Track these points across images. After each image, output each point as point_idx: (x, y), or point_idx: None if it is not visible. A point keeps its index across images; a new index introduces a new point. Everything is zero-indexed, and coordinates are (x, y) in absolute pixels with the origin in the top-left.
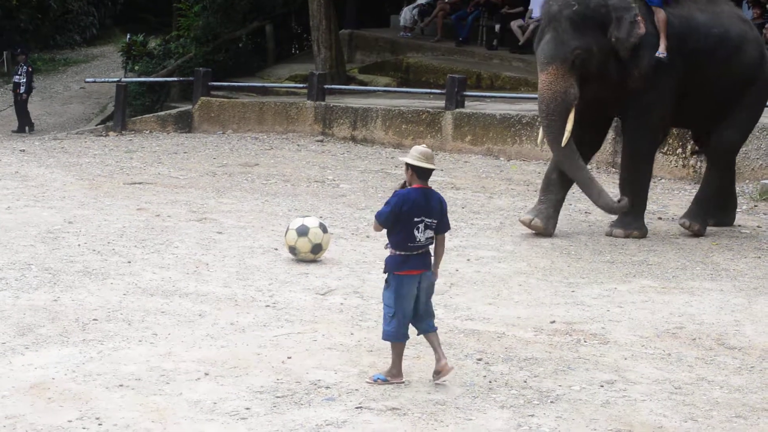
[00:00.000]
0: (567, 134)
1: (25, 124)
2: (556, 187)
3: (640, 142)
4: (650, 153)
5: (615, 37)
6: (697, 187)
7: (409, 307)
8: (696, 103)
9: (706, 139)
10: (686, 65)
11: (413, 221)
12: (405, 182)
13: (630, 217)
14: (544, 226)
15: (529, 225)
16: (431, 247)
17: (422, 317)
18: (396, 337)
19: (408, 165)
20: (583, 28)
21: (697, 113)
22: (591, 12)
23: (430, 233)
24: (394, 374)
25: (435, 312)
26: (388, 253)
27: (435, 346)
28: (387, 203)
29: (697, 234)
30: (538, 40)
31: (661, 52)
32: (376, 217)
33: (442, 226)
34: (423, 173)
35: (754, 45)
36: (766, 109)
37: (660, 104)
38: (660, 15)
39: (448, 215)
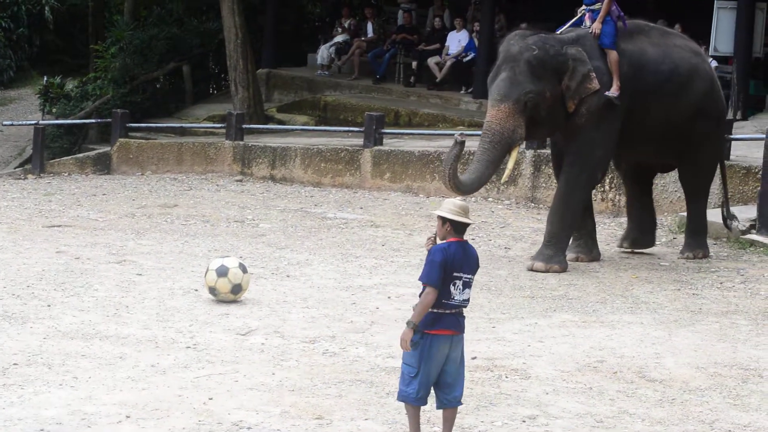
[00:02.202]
0: (508, 172)
1: None
2: (585, 219)
3: (576, 178)
4: (584, 189)
5: (566, 85)
6: (616, 220)
7: (435, 370)
8: (643, 138)
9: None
10: (633, 103)
11: (452, 276)
12: (434, 237)
13: (551, 251)
14: (590, 257)
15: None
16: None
17: (450, 386)
18: (415, 400)
19: (444, 219)
20: (539, 73)
21: (645, 148)
22: (549, 59)
23: (467, 293)
24: None
25: (357, 351)
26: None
27: (448, 425)
28: (428, 262)
29: (704, 257)
30: (493, 77)
31: (613, 92)
32: (423, 281)
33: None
34: (460, 228)
35: (704, 77)
36: None
37: (602, 143)
38: (612, 56)
39: (375, 252)
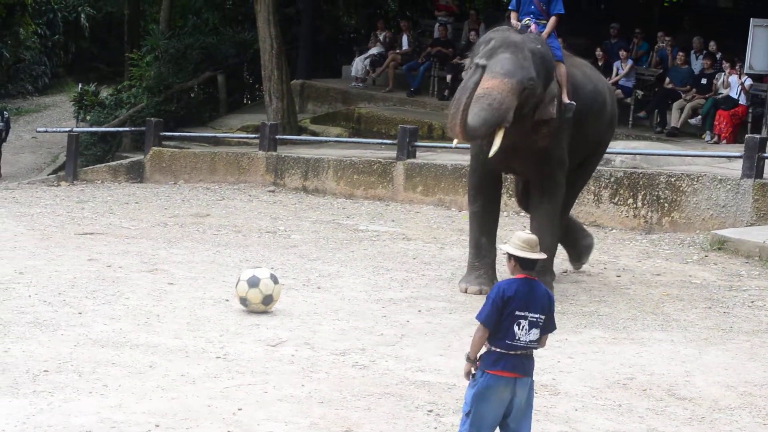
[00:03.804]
0: (495, 148)
1: None
2: (488, 249)
3: (555, 199)
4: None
5: (550, 92)
6: (648, 237)
7: (491, 414)
8: (573, 154)
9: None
10: (575, 120)
11: (514, 315)
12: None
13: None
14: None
15: (478, 293)
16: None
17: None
18: None
19: (509, 255)
20: (538, 68)
21: (571, 163)
22: (548, 61)
23: (534, 334)
24: None
25: (386, 364)
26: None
27: None
28: (486, 298)
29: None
30: (489, 55)
31: (569, 101)
32: (477, 318)
33: (549, 325)
34: (527, 264)
35: (612, 96)
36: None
37: (564, 160)
38: (561, 69)
39: (406, 265)
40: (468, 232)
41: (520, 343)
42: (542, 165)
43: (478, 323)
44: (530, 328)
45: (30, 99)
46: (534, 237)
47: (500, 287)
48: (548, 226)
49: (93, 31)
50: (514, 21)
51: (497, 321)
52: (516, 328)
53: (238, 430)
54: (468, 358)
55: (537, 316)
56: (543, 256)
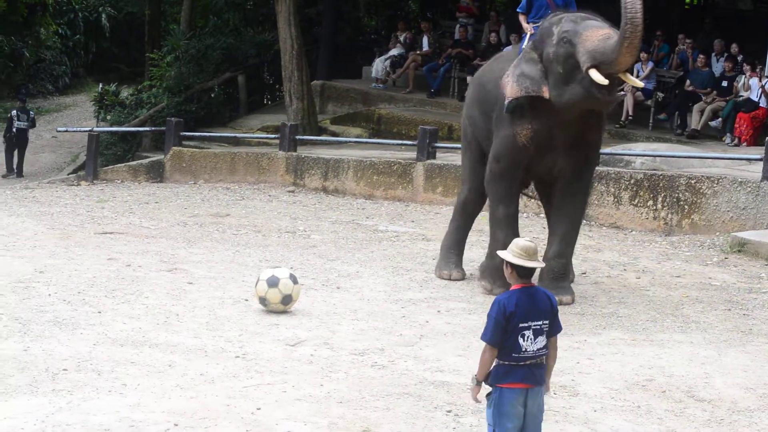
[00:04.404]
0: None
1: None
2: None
3: (588, 198)
4: None
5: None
6: (668, 239)
7: (513, 425)
8: None
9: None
10: None
11: (518, 328)
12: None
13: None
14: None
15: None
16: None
17: None
18: None
19: (507, 263)
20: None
21: None
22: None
23: (541, 341)
24: None
25: (405, 364)
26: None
27: None
28: (487, 316)
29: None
30: (573, 27)
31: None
32: (482, 339)
33: (554, 327)
34: (525, 272)
35: None
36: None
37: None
38: None
39: (425, 266)
40: (491, 235)
41: (528, 354)
42: (589, 161)
43: (484, 343)
44: (536, 337)
45: (50, 99)
46: (533, 245)
47: (500, 303)
48: (579, 228)
49: (114, 31)
50: (524, 24)
51: (502, 338)
52: (521, 340)
53: (257, 430)
54: (476, 381)
55: (540, 323)
56: (542, 264)
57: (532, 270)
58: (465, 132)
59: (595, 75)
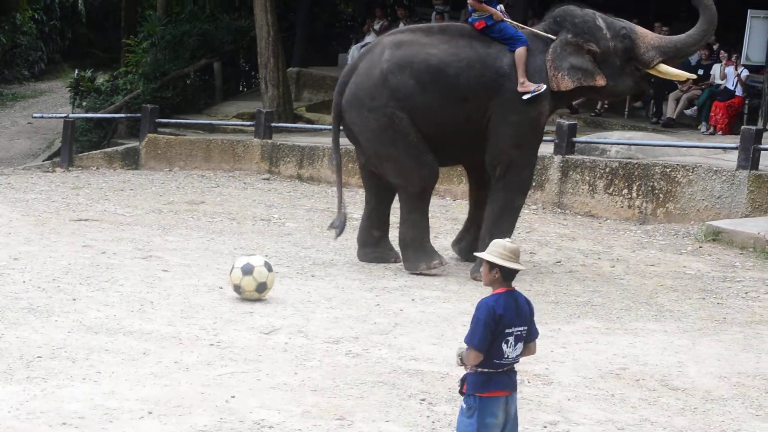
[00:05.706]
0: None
1: None
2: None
3: None
4: None
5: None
6: (642, 227)
7: None
8: None
9: None
10: None
11: (503, 333)
12: (461, 357)
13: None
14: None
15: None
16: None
17: None
18: None
19: (492, 264)
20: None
21: None
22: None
23: (520, 347)
24: None
25: (380, 352)
26: (464, 370)
27: None
28: (474, 319)
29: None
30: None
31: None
32: (468, 344)
33: (532, 333)
34: (510, 274)
35: None
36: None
37: None
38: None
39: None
40: (497, 226)
41: (508, 360)
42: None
43: (472, 350)
44: (516, 343)
45: (26, 84)
46: (517, 246)
47: (489, 306)
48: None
49: (90, 17)
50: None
51: (490, 343)
52: (504, 345)
53: (231, 418)
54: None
55: (521, 329)
56: (524, 267)
57: (516, 273)
58: (395, 120)
59: (669, 69)
